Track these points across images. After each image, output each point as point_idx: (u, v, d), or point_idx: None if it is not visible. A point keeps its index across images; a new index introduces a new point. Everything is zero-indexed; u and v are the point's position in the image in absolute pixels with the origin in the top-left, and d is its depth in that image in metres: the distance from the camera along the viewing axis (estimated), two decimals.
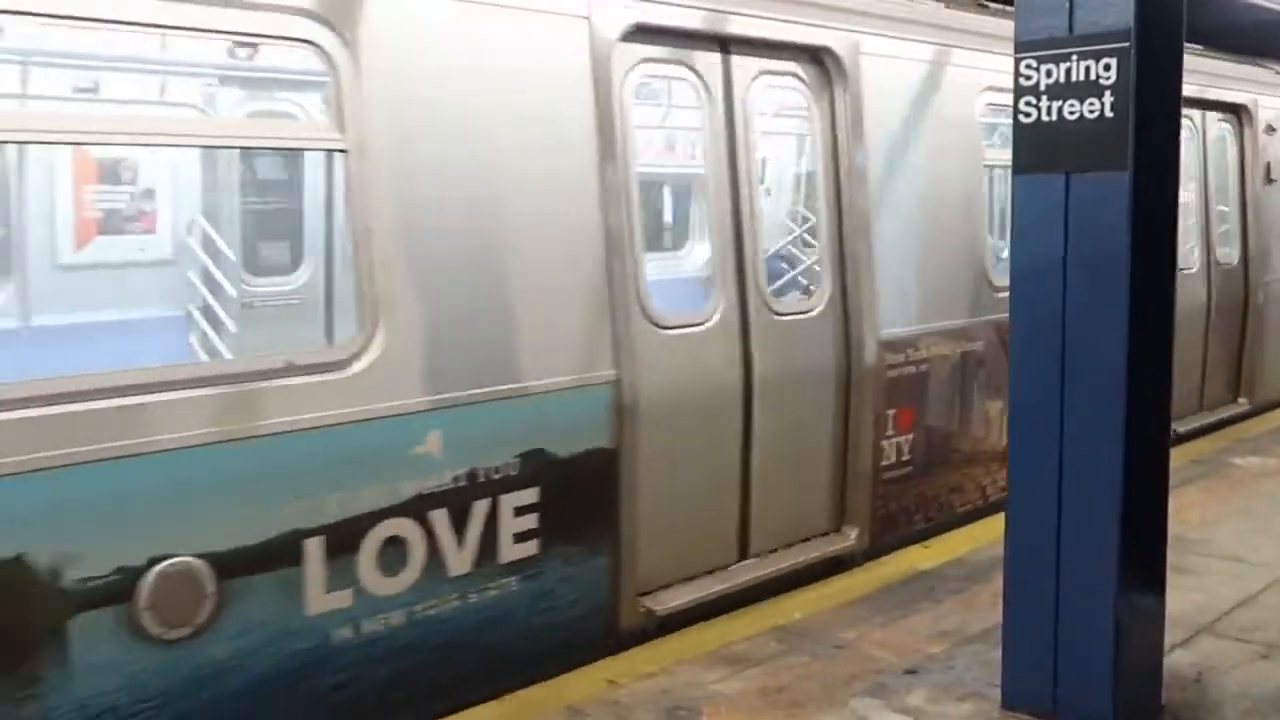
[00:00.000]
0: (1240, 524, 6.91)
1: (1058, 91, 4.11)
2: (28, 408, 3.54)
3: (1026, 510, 4.36)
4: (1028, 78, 4.17)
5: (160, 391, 3.80)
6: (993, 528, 5.75)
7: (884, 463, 6.33)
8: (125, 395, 3.73)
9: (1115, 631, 4.16)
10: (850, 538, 6.18)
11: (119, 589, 3.69)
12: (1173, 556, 4.58)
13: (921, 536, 6.58)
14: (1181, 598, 5.25)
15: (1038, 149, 4.19)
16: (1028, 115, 4.18)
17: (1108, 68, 4.02)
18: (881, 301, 6.24)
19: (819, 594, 5.78)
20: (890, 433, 6.34)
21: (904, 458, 6.45)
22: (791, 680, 4.77)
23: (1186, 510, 6.88)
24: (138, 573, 3.72)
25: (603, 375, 4.95)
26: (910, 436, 6.46)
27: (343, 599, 4.18)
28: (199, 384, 3.90)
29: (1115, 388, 4.09)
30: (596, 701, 4.59)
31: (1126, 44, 3.99)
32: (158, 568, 3.75)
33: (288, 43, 4.24)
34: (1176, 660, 4.80)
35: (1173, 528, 4.53)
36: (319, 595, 4.12)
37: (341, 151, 4.24)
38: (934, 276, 6.68)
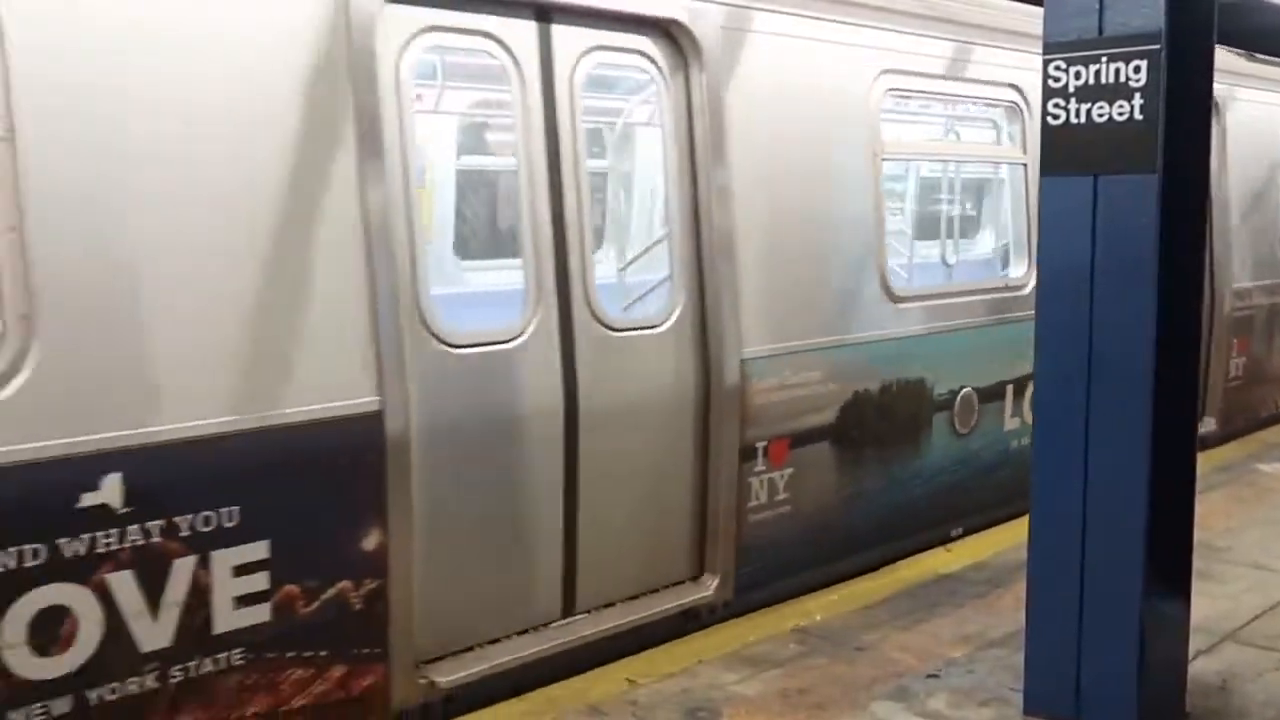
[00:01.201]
0: (1265, 531, 6.87)
1: (1087, 93, 4.09)
2: (926, 300, 6.62)
3: (1051, 514, 4.34)
4: (1056, 79, 4.15)
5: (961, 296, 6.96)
6: (1016, 531, 5.74)
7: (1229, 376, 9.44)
8: (955, 296, 6.90)
9: (1139, 637, 4.13)
10: (1210, 425, 9.17)
11: (947, 402, 6.66)
12: (1197, 563, 4.57)
13: (1258, 427, 9.67)
14: (1206, 605, 5.23)
15: (1066, 151, 4.17)
16: (1056, 117, 4.16)
17: (1138, 69, 4.00)
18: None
19: (840, 595, 5.78)
20: (1234, 355, 9.51)
21: (1237, 374, 9.53)
22: (812, 682, 4.77)
23: (1211, 517, 6.83)
24: (954, 393, 6.69)
25: None
26: (1242, 359, 9.58)
27: (1015, 423, 7.11)
28: (973, 293, 7.04)
29: (1142, 391, 4.07)
30: (617, 701, 4.59)
31: (1157, 46, 3.97)
32: (961, 391, 6.73)
33: (1006, 103, 7.21)
34: (1200, 668, 4.78)
35: (1197, 534, 4.51)
36: (1007, 419, 7.09)
37: (1023, 165, 7.22)
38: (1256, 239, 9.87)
